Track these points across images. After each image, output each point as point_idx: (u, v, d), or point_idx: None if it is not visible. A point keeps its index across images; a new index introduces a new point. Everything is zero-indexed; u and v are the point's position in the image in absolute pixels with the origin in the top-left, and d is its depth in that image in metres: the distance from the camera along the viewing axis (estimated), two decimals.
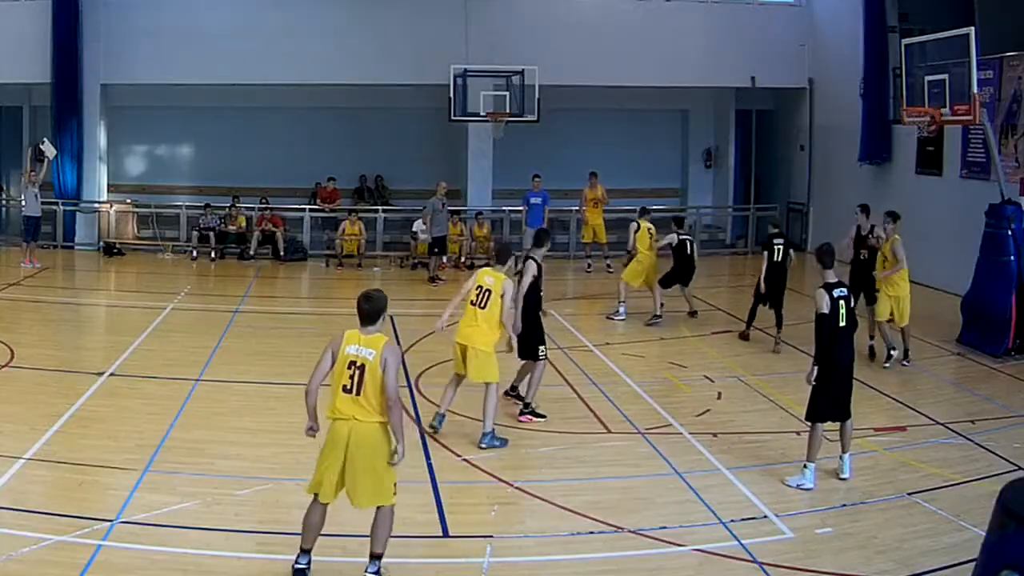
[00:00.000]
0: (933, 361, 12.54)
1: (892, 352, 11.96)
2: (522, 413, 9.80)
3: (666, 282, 14.62)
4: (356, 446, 6.08)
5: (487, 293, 9.08)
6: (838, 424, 8.37)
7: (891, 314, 11.93)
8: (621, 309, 14.68)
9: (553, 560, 6.83)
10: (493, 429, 8.96)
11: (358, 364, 6.06)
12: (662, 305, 14.44)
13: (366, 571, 6.26)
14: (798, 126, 22.34)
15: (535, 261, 9.87)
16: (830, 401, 8.18)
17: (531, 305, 9.72)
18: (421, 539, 7.04)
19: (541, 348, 9.81)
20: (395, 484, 6.22)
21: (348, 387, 6.07)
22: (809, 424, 8.25)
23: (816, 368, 8.10)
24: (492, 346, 9.06)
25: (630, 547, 7.00)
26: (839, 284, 8.27)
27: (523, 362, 10.02)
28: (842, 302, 8.15)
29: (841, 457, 8.38)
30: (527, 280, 9.71)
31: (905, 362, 12.04)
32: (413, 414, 9.86)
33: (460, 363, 9.14)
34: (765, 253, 13.28)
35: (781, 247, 13.19)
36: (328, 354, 6.26)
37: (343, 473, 6.13)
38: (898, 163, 18.81)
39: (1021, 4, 15.13)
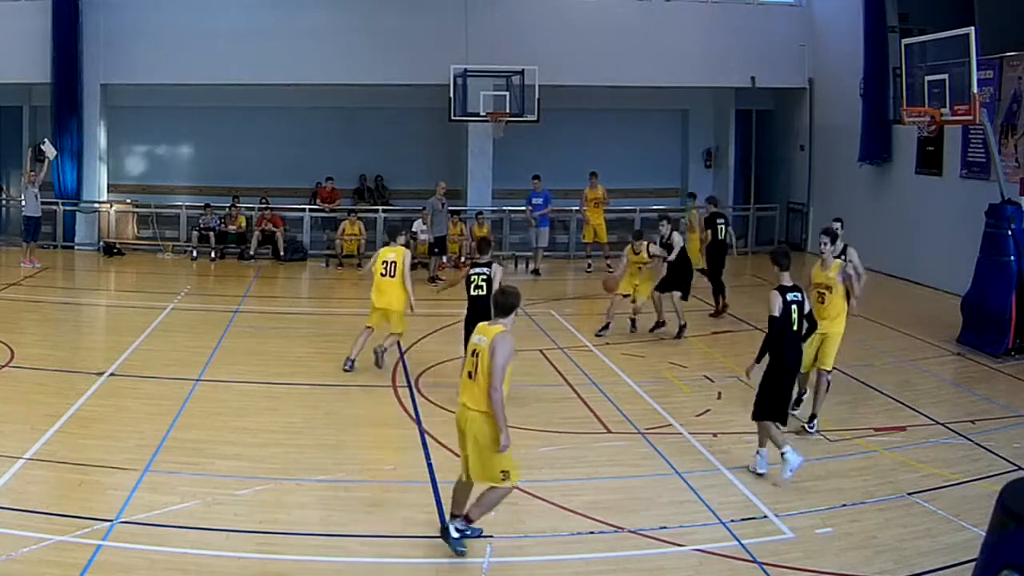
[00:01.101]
0: (933, 361, 12.54)
1: (802, 396, 9.94)
2: None
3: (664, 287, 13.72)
4: (465, 429, 6.59)
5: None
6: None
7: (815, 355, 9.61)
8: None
9: (553, 560, 6.83)
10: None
11: (476, 352, 6.51)
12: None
13: (454, 526, 6.64)
14: (798, 126, 22.34)
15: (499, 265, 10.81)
16: (775, 401, 8.28)
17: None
18: (421, 539, 7.04)
19: None
20: (506, 471, 6.55)
21: (471, 373, 6.55)
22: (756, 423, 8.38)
23: (756, 365, 8.29)
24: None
25: (630, 547, 7.01)
26: (794, 288, 8.31)
27: None
28: (795, 306, 8.22)
29: (758, 452, 8.41)
30: (498, 278, 10.42)
31: (809, 426, 9.54)
32: (414, 414, 9.87)
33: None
34: (709, 231, 15.05)
35: (723, 226, 15.00)
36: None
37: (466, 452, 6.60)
38: (898, 163, 18.81)
39: (1021, 4, 15.12)
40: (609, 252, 19.28)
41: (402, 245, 11.71)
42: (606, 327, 13.42)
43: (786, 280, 8.31)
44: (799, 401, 9.84)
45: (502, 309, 6.61)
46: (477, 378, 6.47)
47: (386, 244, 11.98)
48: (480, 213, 20.50)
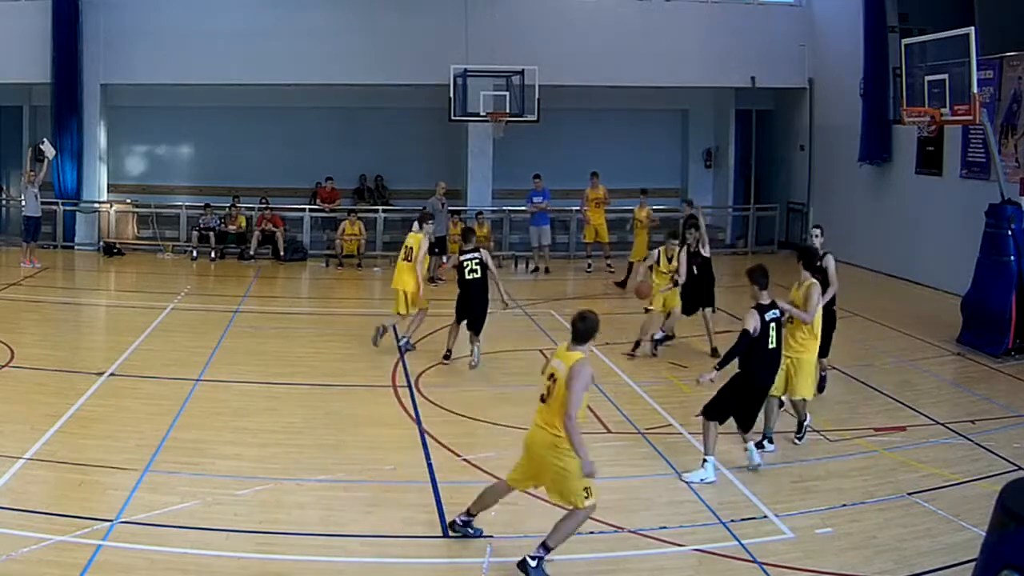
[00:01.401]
0: (933, 361, 12.54)
1: (806, 425, 9.32)
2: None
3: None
4: (537, 450, 6.50)
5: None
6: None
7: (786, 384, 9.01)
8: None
9: (553, 560, 6.82)
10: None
11: (554, 376, 6.43)
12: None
13: (529, 555, 6.42)
14: (798, 126, 22.34)
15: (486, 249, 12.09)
16: (730, 410, 8.25)
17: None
18: (421, 539, 7.04)
19: None
20: (586, 489, 6.39)
21: (543, 395, 6.51)
22: (703, 419, 8.30)
23: (716, 373, 8.14)
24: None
25: (630, 547, 7.01)
26: (772, 306, 8.28)
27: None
28: (773, 324, 8.21)
29: (706, 459, 8.29)
30: (490, 262, 11.61)
31: (797, 438, 9.24)
32: (414, 414, 9.88)
33: None
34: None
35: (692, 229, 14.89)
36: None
37: (535, 472, 6.60)
38: (898, 163, 18.81)
39: (1021, 4, 15.12)
40: (610, 252, 19.27)
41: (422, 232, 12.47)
42: (638, 345, 12.46)
43: (764, 298, 8.27)
44: (800, 429, 9.25)
45: (581, 336, 6.48)
46: (550, 402, 6.41)
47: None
48: (480, 213, 20.49)
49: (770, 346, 8.24)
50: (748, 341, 8.10)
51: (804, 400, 9.06)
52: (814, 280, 9.00)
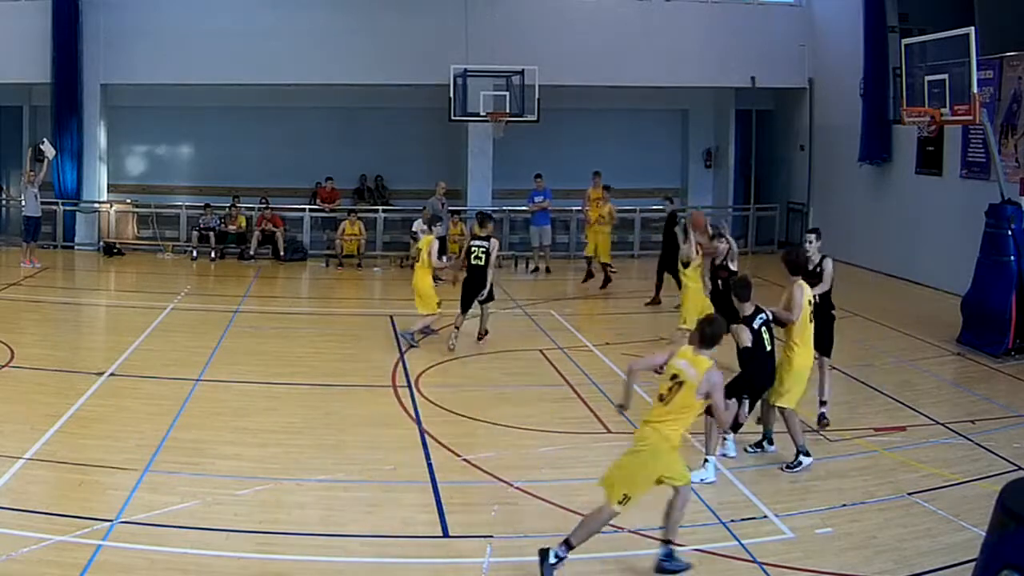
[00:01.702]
0: (933, 361, 12.54)
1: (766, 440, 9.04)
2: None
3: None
4: (652, 450, 6.44)
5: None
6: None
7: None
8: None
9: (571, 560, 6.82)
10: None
11: (679, 379, 6.38)
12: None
13: (658, 556, 6.48)
14: (798, 126, 22.34)
15: (495, 238, 12.77)
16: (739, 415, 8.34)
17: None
18: (421, 539, 7.04)
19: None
20: (626, 496, 6.40)
21: (663, 396, 6.45)
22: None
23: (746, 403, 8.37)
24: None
25: (630, 547, 7.00)
26: (756, 313, 8.32)
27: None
28: (764, 328, 8.29)
29: (724, 438, 8.61)
30: (495, 252, 12.56)
31: (770, 449, 8.92)
32: (414, 414, 9.87)
33: None
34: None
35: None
36: (667, 354, 6.69)
37: (640, 472, 6.45)
38: (898, 163, 18.81)
39: (1021, 4, 15.12)
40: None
41: (433, 234, 13.15)
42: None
43: (747, 310, 8.34)
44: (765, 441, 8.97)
45: (709, 340, 6.49)
46: (669, 405, 6.40)
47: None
48: (480, 212, 20.47)
49: (767, 348, 8.34)
50: (749, 355, 8.28)
51: (777, 408, 8.64)
52: (800, 280, 8.71)
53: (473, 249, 12.60)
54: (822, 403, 9.58)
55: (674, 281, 14.98)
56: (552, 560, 6.34)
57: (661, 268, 15.54)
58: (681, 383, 6.36)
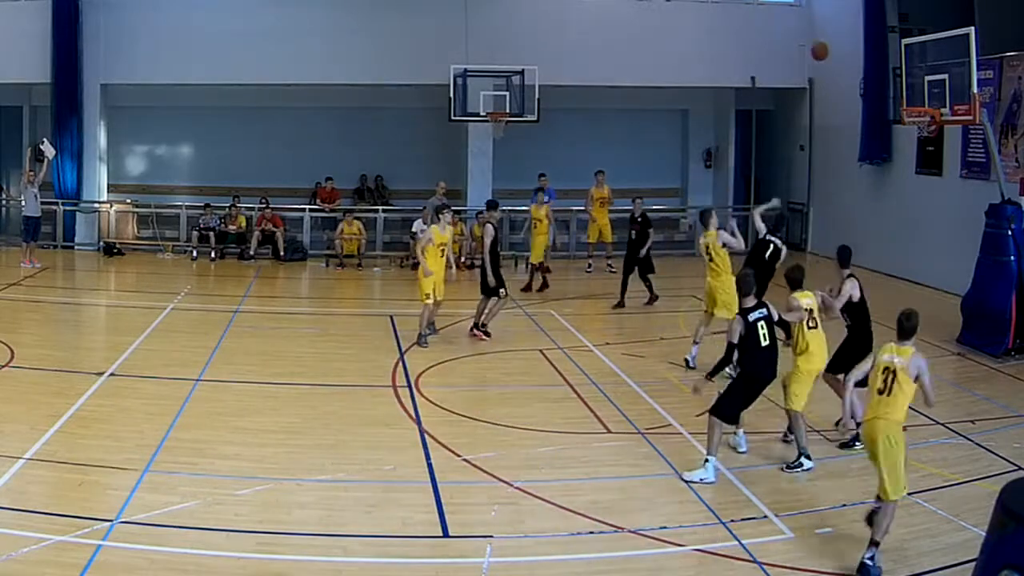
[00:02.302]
0: (933, 361, 12.32)
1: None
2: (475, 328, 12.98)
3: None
4: (881, 440, 6.80)
5: None
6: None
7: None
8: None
9: (553, 560, 6.83)
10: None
11: (891, 370, 6.89)
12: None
13: (865, 557, 6.63)
14: (798, 126, 22.33)
15: (492, 224, 13.16)
16: (738, 407, 8.51)
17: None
18: (421, 539, 7.04)
19: (501, 290, 12.84)
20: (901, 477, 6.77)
21: (881, 389, 6.91)
22: (712, 417, 8.39)
23: (706, 383, 8.58)
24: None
25: (630, 547, 7.00)
26: (757, 306, 8.44)
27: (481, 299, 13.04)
28: (761, 323, 8.38)
29: (736, 432, 8.82)
30: (488, 241, 12.86)
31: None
32: (414, 414, 9.88)
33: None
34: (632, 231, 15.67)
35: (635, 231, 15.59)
36: (869, 363, 7.32)
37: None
38: (898, 163, 18.80)
39: (1021, 4, 15.12)
40: (612, 252, 19.20)
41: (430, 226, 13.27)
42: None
43: (748, 303, 8.45)
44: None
45: (908, 332, 7.04)
46: (893, 394, 6.85)
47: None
48: (480, 213, 20.47)
49: (763, 344, 8.38)
50: (732, 350, 8.36)
51: (797, 413, 8.67)
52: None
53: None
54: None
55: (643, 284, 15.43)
56: (874, 567, 6.57)
57: (628, 269, 15.50)
58: (894, 372, 6.91)
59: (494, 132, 20.21)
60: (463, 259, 19.57)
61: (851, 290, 9.24)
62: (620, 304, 15.37)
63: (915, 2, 18.67)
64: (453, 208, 19.10)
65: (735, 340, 8.29)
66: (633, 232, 15.63)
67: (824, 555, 6.89)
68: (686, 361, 11.76)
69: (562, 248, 20.91)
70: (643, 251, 15.55)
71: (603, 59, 20.63)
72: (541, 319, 14.51)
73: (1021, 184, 14.54)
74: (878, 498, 6.80)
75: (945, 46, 13.06)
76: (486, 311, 13.07)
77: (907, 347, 7.02)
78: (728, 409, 8.44)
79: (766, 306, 8.54)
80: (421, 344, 12.50)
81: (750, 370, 8.46)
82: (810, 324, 8.80)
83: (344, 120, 22.16)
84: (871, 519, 6.85)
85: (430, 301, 12.51)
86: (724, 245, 11.76)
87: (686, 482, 8.15)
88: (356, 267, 19.60)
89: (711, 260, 11.78)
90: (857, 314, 9.38)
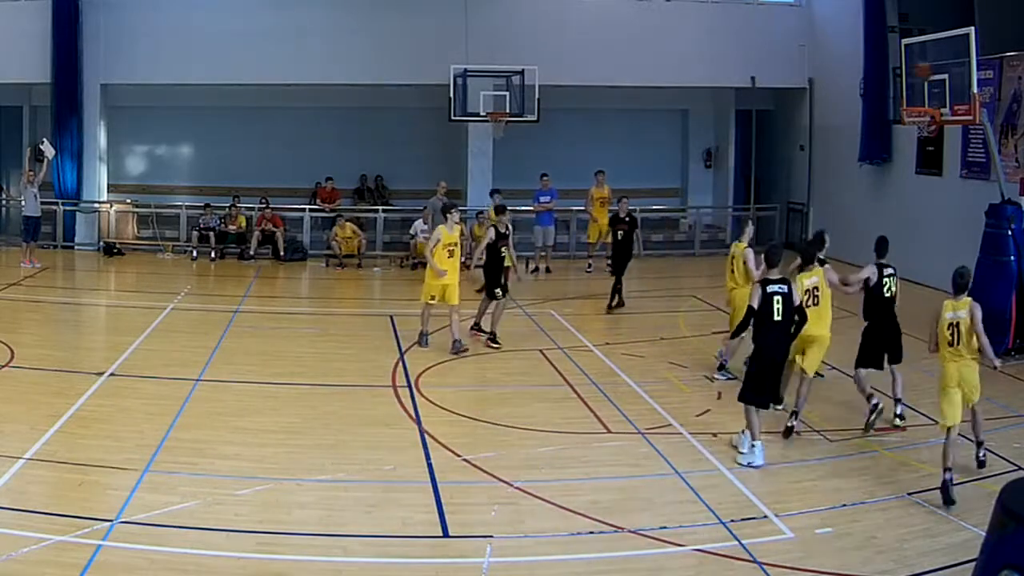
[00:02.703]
0: (933, 361, 12.43)
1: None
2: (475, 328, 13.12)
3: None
4: (962, 380, 8.22)
5: None
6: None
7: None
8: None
9: (553, 560, 6.83)
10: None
11: (955, 324, 8.23)
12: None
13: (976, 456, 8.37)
14: (798, 126, 22.33)
15: (495, 227, 13.17)
16: (759, 387, 8.70)
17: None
18: (421, 539, 7.04)
19: (497, 291, 12.84)
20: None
21: (951, 341, 8.24)
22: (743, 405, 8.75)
23: (730, 342, 9.40)
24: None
25: (630, 547, 7.00)
26: (780, 280, 8.73)
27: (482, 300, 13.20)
28: (778, 298, 8.60)
29: (743, 432, 8.83)
30: (485, 241, 12.98)
31: (793, 422, 9.38)
32: (414, 414, 9.87)
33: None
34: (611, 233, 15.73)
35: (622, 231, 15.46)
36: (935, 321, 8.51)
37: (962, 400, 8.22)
38: (898, 163, 18.81)
39: (1021, 4, 15.12)
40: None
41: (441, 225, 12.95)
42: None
43: (773, 274, 8.75)
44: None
45: (963, 288, 8.48)
46: (962, 343, 8.21)
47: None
48: (480, 212, 20.47)
49: (775, 318, 8.58)
50: (751, 314, 8.62)
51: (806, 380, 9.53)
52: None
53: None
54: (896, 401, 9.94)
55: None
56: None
57: (620, 269, 15.35)
58: (958, 323, 8.22)
59: (494, 132, 20.21)
60: (463, 259, 19.55)
61: (869, 273, 10.20)
62: (620, 304, 15.30)
63: (915, 2, 18.66)
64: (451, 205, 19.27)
65: (755, 305, 8.56)
66: (620, 232, 15.45)
67: (824, 555, 6.89)
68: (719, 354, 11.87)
69: (562, 248, 20.97)
70: (635, 251, 15.61)
71: (603, 59, 20.64)
72: (541, 319, 14.51)
73: (1021, 184, 14.53)
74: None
75: (945, 46, 13.07)
76: (487, 312, 13.06)
77: (964, 300, 8.33)
78: (750, 392, 8.68)
79: (788, 284, 8.75)
80: (422, 344, 12.49)
81: (760, 344, 8.70)
82: (810, 303, 9.39)
83: (344, 120, 22.17)
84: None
85: (433, 303, 12.43)
86: (745, 263, 11.57)
87: (739, 464, 8.53)
88: (356, 267, 19.60)
89: (732, 271, 11.82)
90: (875, 304, 10.30)
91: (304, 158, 22.04)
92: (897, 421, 9.70)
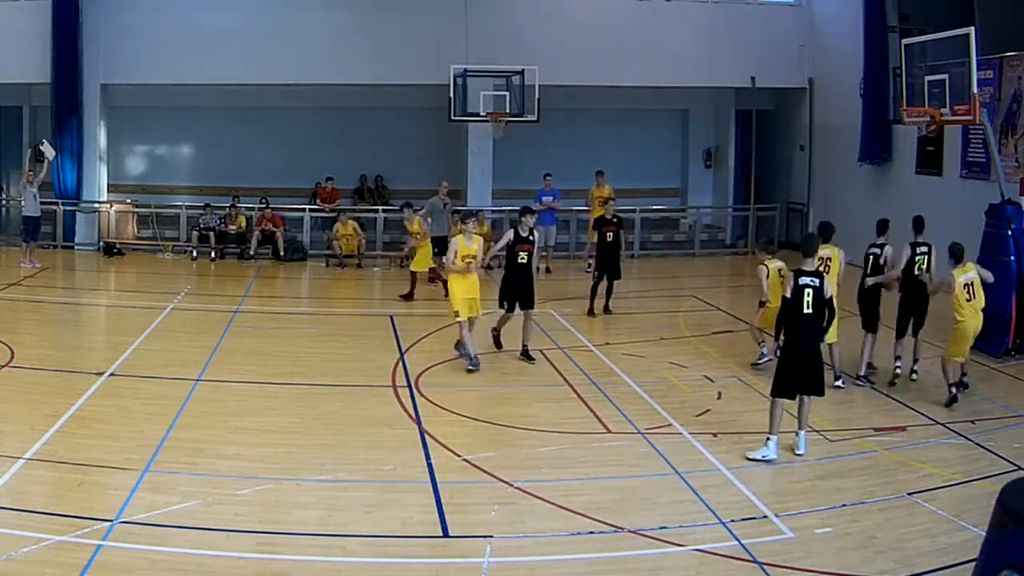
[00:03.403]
0: (933, 361, 12.50)
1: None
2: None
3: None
4: (975, 332, 10.47)
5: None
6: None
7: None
8: (764, 351, 11.87)
9: (553, 560, 6.83)
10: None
11: (970, 284, 10.34)
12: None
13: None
14: (798, 126, 22.33)
15: (515, 229, 12.31)
16: (791, 380, 8.68)
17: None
18: (421, 539, 7.04)
19: (505, 302, 12.19)
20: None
21: (968, 297, 10.32)
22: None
23: (778, 345, 8.98)
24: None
25: (630, 547, 7.00)
26: (813, 273, 8.78)
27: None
28: (809, 290, 8.64)
29: (797, 433, 8.85)
30: (502, 243, 12.32)
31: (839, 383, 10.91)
32: (414, 414, 9.88)
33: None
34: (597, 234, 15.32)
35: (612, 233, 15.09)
36: (950, 285, 10.39)
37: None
38: (898, 163, 18.80)
39: (1021, 4, 15.10)
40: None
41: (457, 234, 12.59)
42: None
43: (807, 265, 8.83)
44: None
45: (960, 256, 10.40)
46: (977, 293, 10.38)
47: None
48: (480, 211, 20.47)
49: (805, 311, 8.63)
50: (787, 305, 8.69)
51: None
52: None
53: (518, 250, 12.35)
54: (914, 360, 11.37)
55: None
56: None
57: (613, 272, 14.97)
58: (972, 283, 10.29)
59: (494, 132, 20.21)
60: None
61: (906, 254, 11.36)
62: (605, 309, 14.97)
63: (915, 2, 18.66)
64: (453, 208, 19.25)
65: (788, 296, 8.66)
66: (609, 234, 15.07)
67: (824, 555, 6.89)
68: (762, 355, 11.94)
69: (562, 248, 20.97)
70: (621, 252, 15.42)
71: (603, 59, 20.64)
72: (541, 319, 14.47)
73: (1021, 184, 14.54)
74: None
75: (945, 46, 13.06)
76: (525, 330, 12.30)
77: (968, 264, 10.41)
78: (781, 387, 8.69)
79: (821, 277, 8.79)
80: (472, 366, 11.53)
81: (789, 337, 8.71)
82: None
83: (344, 120, 22.17)
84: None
85: (462, 319, 11.47)
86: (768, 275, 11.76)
87: (749, 458, 8.57)
88: (356, 267, 19.60)
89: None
90: (906, 280, 11.38)
91: (304, 158, 22.05)
92: (913, 376, 11.33)
